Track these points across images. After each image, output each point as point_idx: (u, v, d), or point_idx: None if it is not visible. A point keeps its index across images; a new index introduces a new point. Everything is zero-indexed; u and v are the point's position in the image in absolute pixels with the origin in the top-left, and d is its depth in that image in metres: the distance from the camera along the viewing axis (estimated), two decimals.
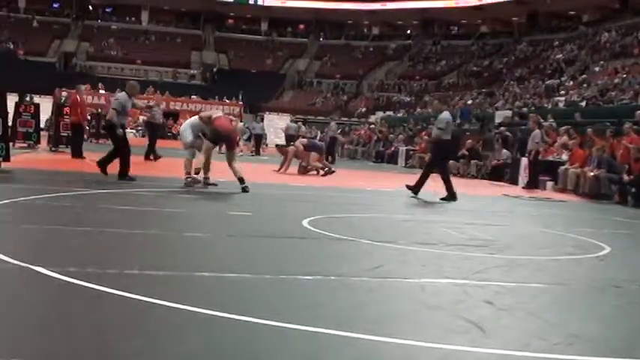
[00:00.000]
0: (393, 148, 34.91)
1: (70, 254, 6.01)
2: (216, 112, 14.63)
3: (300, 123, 41.24)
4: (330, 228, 8.59)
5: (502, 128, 26.97)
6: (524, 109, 33.16)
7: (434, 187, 14.50)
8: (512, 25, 66.02)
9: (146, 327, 4.09)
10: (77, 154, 19.64)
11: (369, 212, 11.69)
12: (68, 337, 3.78)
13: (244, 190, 12.85)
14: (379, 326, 4.31)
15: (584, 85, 35.82)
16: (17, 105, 23.06)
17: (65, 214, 8.56)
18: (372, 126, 43.25)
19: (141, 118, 50.60)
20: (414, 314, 4.77)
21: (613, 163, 18.32)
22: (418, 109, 49.82)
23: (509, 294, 5.55)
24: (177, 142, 19.20)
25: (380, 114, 52.90)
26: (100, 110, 36.11)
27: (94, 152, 21.30)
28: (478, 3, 64.35)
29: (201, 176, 13.59)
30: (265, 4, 73.29)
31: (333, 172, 20.17)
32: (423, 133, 31.69)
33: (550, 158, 21.60)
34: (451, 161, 25.65)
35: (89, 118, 28.21)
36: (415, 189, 14.55)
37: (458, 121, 34.59)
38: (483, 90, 48.99)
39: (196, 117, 14.43)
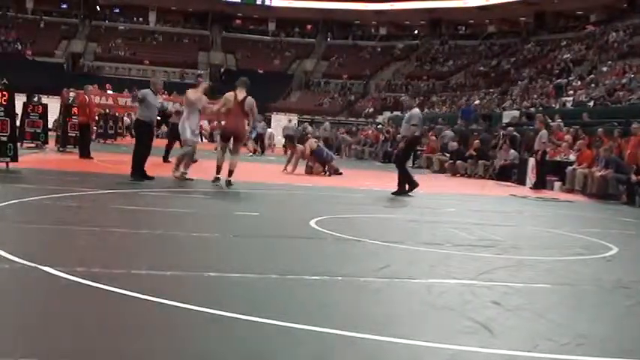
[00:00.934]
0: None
1: (78, 254, 6.02)
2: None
3: (306, 123, 41.19)
4: (337, 228, 8.58)
5: (510, 128, 26.90)
6: (532, 110, 33.10)
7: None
8: (520, 25, 65.92)
9: (154, 327, 4.09)
10: (85, 154, 19.67)
11: (376, 213, 11.68)
12: (76, 336, 3.79)
13: (228, 184, 13.16)
14: (386, 326, 4.31)
15: (592, 85, 35.73)
16: (25, 105, 23.10)
17: (73, 214, 8.57)
18: (380, 126, 43.18)
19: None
20: (420, 315, 4.76)
21: (621, 163, 18.26)
22: (426, 110, 49.77)
23: (517, 294, 5.54)
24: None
25: (387, 114, 52.84)
26: (107, 111, 36.19)
27: (101, 152, 21.39)
28: (485, 3, 64.21)
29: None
30: (272, 4, 73.28)
31: (340, 173, 20.14)
32: (430, 133, 31.63)
33: (557, 158, 21.55)
34: (459, 161, 25.69)
35: (96, 118, 28.25)
36: (400, 191, 14.54)
37: (459, 121, 34.59)
38: (491, 89, 48.94)
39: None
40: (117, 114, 38.94)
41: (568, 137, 21.89)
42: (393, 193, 14.47)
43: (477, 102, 43.62)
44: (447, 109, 47.42)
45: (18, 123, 21.90)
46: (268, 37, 75.17)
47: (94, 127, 26.04)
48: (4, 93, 14.46)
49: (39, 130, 22.47)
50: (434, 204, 13.84)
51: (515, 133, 25.75)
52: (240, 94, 13.84)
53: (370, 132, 42.04)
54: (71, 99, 27.20)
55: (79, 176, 14.27)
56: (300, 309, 4.63)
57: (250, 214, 9.91)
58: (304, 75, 69.91)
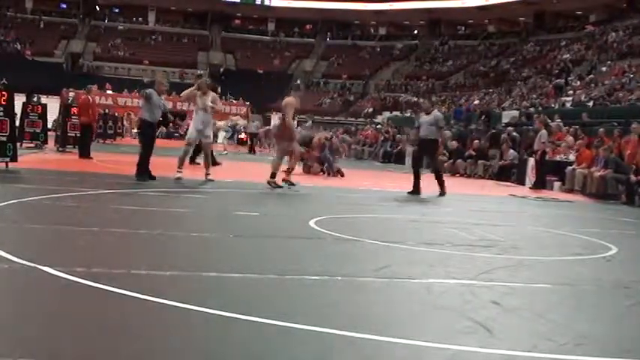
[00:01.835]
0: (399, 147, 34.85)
1: (77, 254, 6.02)
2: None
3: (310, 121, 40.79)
4: (337, 228, 8.58)
5: (509, 128, 26.91)
6: (532, 109, 33.11)
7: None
8: (519, 25, 66.00)
9: (153, 327, 4.09)
10: (85, 154, 19.66)
11: (376, 213, 11.68)
12: (75, 336, 3.79)
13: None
14: (385, 326, 4.31)
15: (592, 85, 35.75)
16: (25, 105, 23.11)
17: (72, 214, 8.57)
18: (379, 126, 43.22)
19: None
20: (420, 315, 4.76)
21: (620, 163, 18.27)
22: None
23: (516, 294, 5.54)
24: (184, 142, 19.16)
25: (387, 114, 52.87)
26: (107, 111, 36.20)
27: (101, 152, 21.39)
28: (485, 3, 64.28)
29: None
30: (272, 4, 73.35)
31: (342, 175, 20.08)
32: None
33: (557, 158, 21.56)
34: (458, 160, 25.71)
35: (97, 118, 28.24)
36: (442, 192, 15.19)
37: (452, 121, 34.64)
38: (490, 89, 48.93)
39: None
40: (116, 114, 38.94)
41: (570, 139, 21.88)
42: (409, 193, 14.92)
43: (477, 102, 43.64)
44: (447, 109, 47.44)
45: (17, 123, 21.94)
46: (268, 37, 75.23)
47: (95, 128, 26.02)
48: (4, 93, 14.46)
49: (38, 130, 22.48)
50: (434, 204, 13.84)
51: (515, 133, 25.76)
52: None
53: (369, 132, 42.08)
54: (70, 99, 27.20)
55: (78, 176, 14.27)
56: (299, 309, 4.63)
57: (250, 214, 9.91)
58: (304, 75, 69.91)
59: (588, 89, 34.92)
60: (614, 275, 6.85)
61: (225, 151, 31.08)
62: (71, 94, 33.17)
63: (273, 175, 13.89)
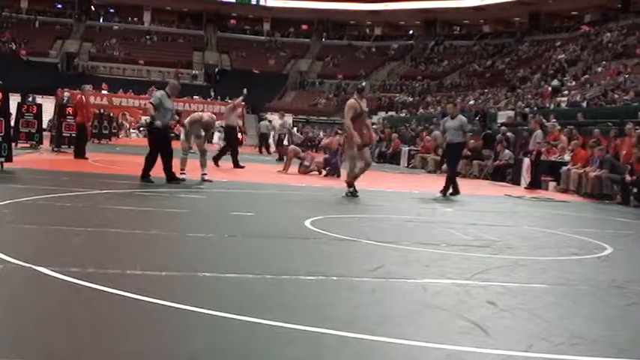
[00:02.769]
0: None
1: (72, 254, 6.01)
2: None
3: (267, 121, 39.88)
4: (332, 228, 8.59)
5: (503, 128, 26.93)
6: (527, 110, 33.15)
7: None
8: (515, 26, 66.07)
9: (148, 327, 4.09)
10: (80, 154, 19.63)
11: (371, 213, 11.68)
12: (70, 336, 3.78)
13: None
14: (381, 327, 4.31)
15: (587, 85, 35.80)
16: (20, 105, 23.08)
17: (67, 215, 8.56)
18: (374, 126, 43.21)
19: (143, 118, 50.75)
20: (416, 315, 4.76)
21: (615, 163, 18.29)
22: (421, 110, 49.78)
23: (512, 294, 5.54)
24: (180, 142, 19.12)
25: (382, 114, 52.88)
26: (102, 111, 36.14)
27: (96, 153, 21.36)
28: (480, 3, 64.34)
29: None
30: (267, 4, 73.30)
31: (338, 175, 20.06)
32: (425, 133, 31.65)
33: (552, 158, 21.58)
34: None
35: (92, 118, 28.18)
36: (455, 192, 15.54)
37: (440, 121, 34.68)
38: (485, 89, 48.97)
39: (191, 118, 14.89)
40: (111, 114, 38.89)
41: (564, 138, 21.92)
42: (451, 194, 15.46)
43: (472, 102, 43.67)
44: (442, 109, 47.47)
45: (12, 123, 21.91)
46: (263, 37, 75.15)
47: (90, 128, 25.97)
48: None
49: (33, 131, 22.46)
50: (429, 204, 13.85)
51: (509, 133, 25.79)
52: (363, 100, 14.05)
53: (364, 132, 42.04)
54: (66, 99, 27.18)
55: (73, 176, 14.25)
56: (294, 309, 4.63)
57: (245, 215, 9.90)
58: (299, 75, 69.90)
59: (583, 89, 34.96)
60: (609, 275, 6.85)
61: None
62: (66, 94, 33.09)
63: (350, 185, 13.58)
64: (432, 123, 34.50)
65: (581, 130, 22.69)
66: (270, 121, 38.08)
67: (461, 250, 7.60)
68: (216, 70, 68.19)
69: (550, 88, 38.61)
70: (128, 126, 49.89)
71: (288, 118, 42.52)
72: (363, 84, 14.49)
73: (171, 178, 13.38)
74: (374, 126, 43.13)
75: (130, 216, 9.00)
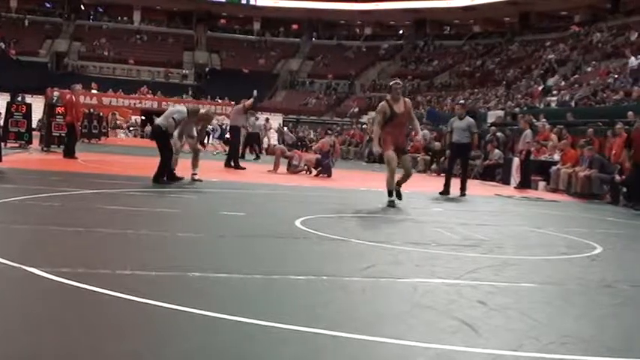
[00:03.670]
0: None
1: (62, 254, 5.99)
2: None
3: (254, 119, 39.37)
4: (322, 228, 8.58)
5: (493, 128, 27.00)
6: (517, 109, 33.22)
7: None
8: (505, 26, 66.19)
9: (138, 327, 4.08)
10: (70, 154, 19.58)
11: (362, 212, 11.69)
12: (60, 337, 3.77)
13: (398, 196, 12.53)
14: (371, 326, 4.31)
15: (576, 85, 35.90)
16: (9, 105, 23.02)
17: (57, 215, 8.54)
18: (364, 126, 43.22)
19: (132, 118, 50.68)
20: (406, 314, 4.76)
21: (605, 163, 18.36)
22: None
23: (502, 294, 5.55)
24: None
25: (372, 114, 52.87)
26: (91, 110, 36.05)
27: (85, 152, 21.31)
28: (470, 3, 64.46)
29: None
30: (257, 4, 73.27)
31: (329, 175, 20.05)
32: (413, 133, 31.66)
33: (542, 158, 21.64)
34: (442, 159, 25.78)
35: (81, 118, 28.11)
36: (463, 192, 16.09)
37: (424, 120, 34.77)
38: (475, 89, 49.04)
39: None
40: (101, 114, 38.82)
41: (554, 137, 21.99)
42: (440, 193, 15.93)
43: (462, 101, 43.72)
44: (432, 108, 47.52)
45: (2, 123, 21.83)
46: (253, 37, 75.11)
47: (79, 127, 25.91)
48: None
49: (23, 130, 22.40)
50: (419, 204, 13.86)
51: (499, 133, 25.85)
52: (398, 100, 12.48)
53: (355, 132, 42.12)
54: (55, 98, 27.10)
55: (63, 176, 14.21)
56: (285, 309, 4.62)
57: (236, 214, 9.89)
58: (289, 75, 69.88)
59: (573, 89, 35.05)
60: (598, 275, 6.87)
61: (217, 151, 31.07)
62: (56, 93, 32.99)
63: (390, 194, 12.29)
64: (421, 122, 34.50)
65: (570, 129, 22.75)
66: (259, 119, 37.96)
67: (451, 250, 7.61)
68: (207, 69, 68.14)
69: (540, 88, 38.68)
70: (125, 125, 49.87)
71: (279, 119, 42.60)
72: (396, 81, 12.93)
73: (158, 177, 13.39)
74: (363, 126, 43.22)
75: (120, 216, 8.97)
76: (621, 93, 28.90)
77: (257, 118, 38.65)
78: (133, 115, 51.11)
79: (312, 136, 45.74)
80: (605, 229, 11.96)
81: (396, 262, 6.75)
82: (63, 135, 21.40)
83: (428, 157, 27.91)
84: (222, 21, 77.48)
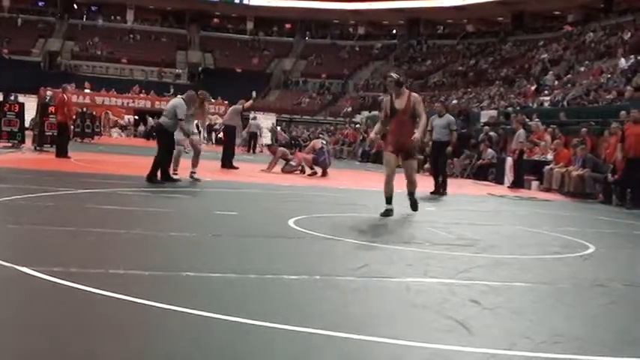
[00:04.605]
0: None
1: (55, 254, 5.98)
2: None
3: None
4: (316, 227, 8.58)
5: (486, 127, 27.02)
6: (510, 109, 33.25)
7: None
8: (498, 25, 66.28)
9: (131, 327, 4.07)
10: (62, 153, 19.54)
11: (355, 212, 11.68)
12: (52, 337, 3.76)
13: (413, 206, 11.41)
14: (365, 326, 4.31)
15: (569, 85, 35.94)
16: (1, 104, 22.96)
17: (49, 214, 8.52)
18: (358, 126, 43.25)
19: (126, 117, 50.57)
20: (399, 314, 4.77)
21: (598, 162, 18.40)
22: None
23: (495, 293, 5.56)
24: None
25: (365, 113, 52.92)
26: (84, 109, 35.97)
27: (78, 152, 21.26)
28: (463, 3, 64.51)
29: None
30: (251, 3, 73.23)
31: (315, 172, 20.08)
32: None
33: (535, 158, 21.67)
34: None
35: (74, 117, 28.06)
36: (442, 191, 15.94)
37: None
38: (469, 89, 49.08)
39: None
40: (94, 113, 38.74)
41: (547, 137, 22.03)
42: (432, 193, 15.79)
43: (455, 101, 43.76)
44: (425, 108, 47.50)
45: None
46: (246, 36, 75.08)
47: (72, 127, 25.86)
48: None
49: (15, 129, 22.35)
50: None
51: (492, 132, 25.87)
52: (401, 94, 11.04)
53: (348, 131, 42.16)
54: (48, 98, 27.07)
55: (55, 176, 14.17)
56: (278, 308, 4.62)
57: (229, 214, 9.89)
58: (283, 74, 69.88)
59: (566, 89, 35.09)
60: (591, 274, 6.89)
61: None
62: (49, 93, 32.93)
63: (387, 201, 10.80)
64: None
65: (563, 129, 22.79)
66: (257, 119, 38.14)
67: (444, 249, 7.61)
68: (200, 69, 68.08)
69: (533, 88, 38.72)
70: (125, 124, 49.76)
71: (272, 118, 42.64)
72: (389, 74, 11.57)
73: (151, 177, 13.36)
74: (357, 125, 43.23)
75: (113, 215, 8.96)
76: (614, 93, 28.94)
77: (255, 118, 38.75)
78: (126, 114, 51.01)
79: (305, 135, 45.74)
80: (598, 229, 11.99)
81: (389, 262, 6.76)
82: (56, 134, 21.36)
83: (421, 157, 27.87)
84: (216, 20, 77.44)
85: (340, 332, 4.05)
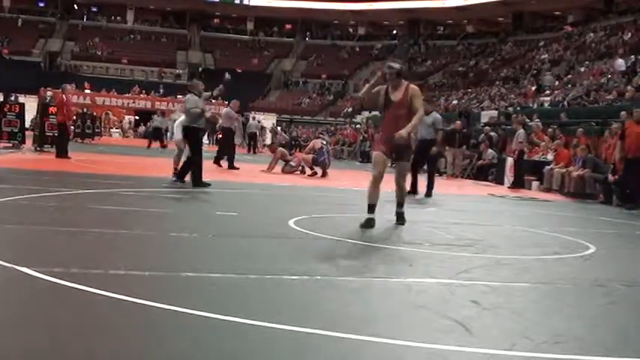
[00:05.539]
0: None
1: (55, 254, 5.98)
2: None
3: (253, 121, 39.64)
4: (316, 228, 8.58)
5: (486, 128, 27.03)
6: (510, 109, 33.25)
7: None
8: (498, 26, 66.27)
9: (131, 327, 4.07)
10: (62, 153, 19.54)
11: (355, 212, 11.66)
12: (53, 337, 3.76)
13: (399, 218, 10.63)
14: (365, 326, 4.31)
15: (569, 85, 35.94)
16: (2, 104, 22.97)
17: (50, 214, 8.51)
18: (358, 126, 43.26)
19: (126, 118, 50.56)
20: (399, 314, 4.77)
21: (598, 162, 18.39)
22: None
23: (495, 293, 5.56)
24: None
25: (365, 114, 52.92)
26: (85, 110, 36.01)
27: (79, 152, 21.27)
28: (464, 3, 64.52)
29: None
30: (251, 3, 73.25)
31: (315, 173, 20.10)
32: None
33: (535, 158, 21.68)
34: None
35: (74, 117, 28.10)
36: (413, 191, 15.07)
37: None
38: (469, 89, 49.06)
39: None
40: (94, 113, 38.77)
41: (547, 138, 22.04)
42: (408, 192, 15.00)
43: (455, 102, 43.77)
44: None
45: None
46: (247, 37, 75.09)
47: (72, 127, 25.89)
48: None
49: (16, 130, 22.36)
50: (412, 203, 13.85)
51: (492, 133, 25.88)
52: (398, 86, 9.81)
53: (349, 132, 42.17)
54: (48, 98, 27.08)
55: (56, 176, 14.18)
56: (278, 309, 4.62)
57: (229, 214, 9.89)
58: (283, 74, 69.89)
59: (566, 89, 35.09)
60: (591, 274, 6.88)
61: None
62: (49, 93, 32.94)
63: (369, 208, 9.57)
64: None
65: (564, 129, 22.79)
66: (259, 121, 38.19)
67: (444, 250, 7.61)
68: (200, 69, 68.06)
69: (534, 88, 38.72)
70: (128, 125, 49.79)
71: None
72: (388, 64, 10.10)
73: (180, 177, 13.38)
74: (357, 126, 43.24)
75: (113, 216, 8.96)
76: (614, 93, 28.94)
77: (254, 118, 38.83)
78: (127, 114, 51.06)
79: (306, 136, 45.76)
80: (598, 229, 11.98)
81: (389, 262, 6.76)
82: (56, 135, 21.37)
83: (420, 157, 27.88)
84: (216, 21, 77.45)
85: (340, 332, 4.05)
